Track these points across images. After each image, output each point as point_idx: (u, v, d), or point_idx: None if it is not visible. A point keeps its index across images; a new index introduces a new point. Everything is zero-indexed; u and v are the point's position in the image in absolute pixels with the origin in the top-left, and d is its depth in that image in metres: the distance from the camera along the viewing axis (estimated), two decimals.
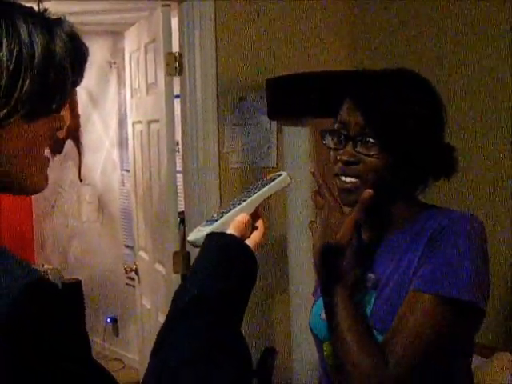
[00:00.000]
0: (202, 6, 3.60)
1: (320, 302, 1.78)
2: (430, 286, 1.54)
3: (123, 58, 4.86)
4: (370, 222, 1.79)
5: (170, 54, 3.67)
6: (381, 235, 1.76)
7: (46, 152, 1.18)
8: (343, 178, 1.67)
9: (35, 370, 0.94)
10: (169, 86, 3.71)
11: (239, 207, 1.34)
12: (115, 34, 5.77)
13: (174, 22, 3.72)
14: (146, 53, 4.02)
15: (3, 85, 1.05)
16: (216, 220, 1.33)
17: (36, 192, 1.18)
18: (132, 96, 4.46)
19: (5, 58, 1.05)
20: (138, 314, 4.77)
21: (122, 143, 6.01)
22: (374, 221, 1.77)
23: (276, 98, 3.41)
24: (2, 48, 1.05)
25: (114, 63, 5.99)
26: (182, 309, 1.18)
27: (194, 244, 1.33)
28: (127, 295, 6.01)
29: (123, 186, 6.11)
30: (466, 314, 1.56)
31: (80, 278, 6.25)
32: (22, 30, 1.07)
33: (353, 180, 1.65)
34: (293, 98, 3.27)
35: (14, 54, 1.06)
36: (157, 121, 3.85)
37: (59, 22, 1.14)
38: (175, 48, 3.71)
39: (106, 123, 6.19)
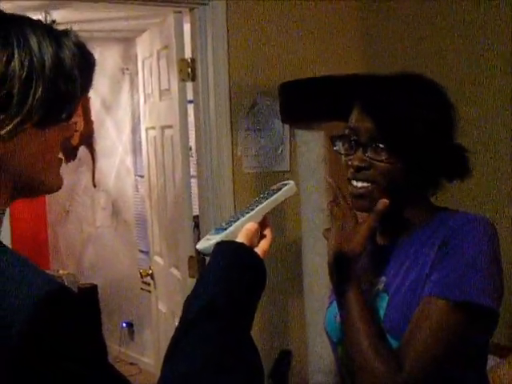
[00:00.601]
0: (214, 11, 3.62)
1: (335, 305, 1.79)
2: (442, 290, 1.55)
3: (135, 64, 4.88)
4: (383, 226, 1.79)
5: (182, 60, 3.68)
6: (393, 238, 1.76)
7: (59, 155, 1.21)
8: (355, 183, 1.68)
9: (55, 377, 0.96)
10: (182, 91, 3.72)
11: (247, 216, 1.36)
12: (127, 40, 5.80)
13: (186, 28, 3.74)
14: (158, 59, 4.04)
15: (16, 93, 1.07)
16: (225, 229, 1.35)
17: (53, 192, 1.21)
18: (145, 102, 4.48)
19: (17, 68, 1.07)
20: (153, 318, 4.78)
21: (136, 149, 6.04)
22: (386, 224, 1.77)
23: (289, 102, 3.43)
24: (14, 58, 1.08)
25: (127, 69, 6.02)
26: (192, 317, 1.20)
27: (203, 252, 1.35)
28: (142, 300, 6.03)
29: (137, 191, 6.14)
30: (479, 318, 1.56)
31: (95, 283, 6.28)
32: (32, 41, 1.10)
33: (364, 185, 1.66)
34: (306, 102, 3.29)
35: (26, 64, 1.08)
36: (170, 126, 3.87)
37: (66, 32, 1.17)
38: (188, 54, 3.73)
39: (119, 129, 6.23)
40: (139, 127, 5.31)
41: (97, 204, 6.61)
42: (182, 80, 3.70)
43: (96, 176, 6.48)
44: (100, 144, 6.29)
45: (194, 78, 3.69)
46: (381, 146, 1.62)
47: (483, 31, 3.44)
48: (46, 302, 0.96)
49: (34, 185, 1.17)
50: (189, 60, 3.69)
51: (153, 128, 4.29)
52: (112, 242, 6.52)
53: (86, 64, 1.19)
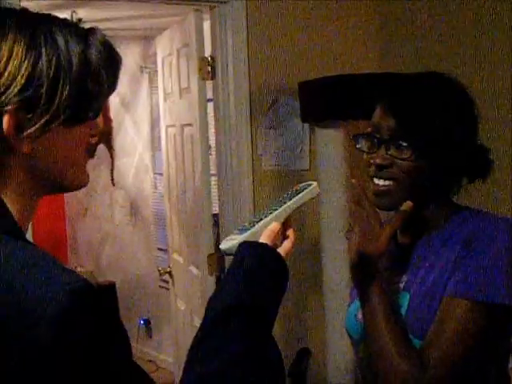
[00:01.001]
0: (234, 10, 3.63)
1: (356, 303, 1.79)
2: (464, 291, 1.54)
3: (154, 63, 4.90)
4: (404, 224, 1.79)
5: (202, 58, 3.69)
6: (414, 237, 1.76)
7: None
8: (376, 181, 1.68)
9: (82, 373, 0.97)
10: (202, 90, 3.73)
11: (270, 217, 1.38)
12: (146, 38, 5.82)
13: (206, 26, 3.75)
14: (178, 57, 4.05)
15: (44, 92, 1.08)
16: (248, 229, 1.36)
17: (79, 188, 1.23)
18: (165, 100, 4.49)
19: (44, 67, 1.08)
20: (171, 315, 4.79)
21: (154, 147, 6.06)
22: (408, 223, 1.77)
23: (309, 101, 3.43)
24: (42, 57, 1.08)
25: (146, 68, 6.03)
26: (216, 317, 1.21)
27: (225, 252, 1.37)
28: (160, 297, 6.05)
29: (156, 189, 6.16)
30: (502, 317, 1.57)
31: (114, 281, 6.30)
32: (59, 40, 1.11)
33: (386, 183, 1.66)
34: (325, 100, 3.29)
35: (53, 63, 1.09)
36: (190, 125, 3.88)
37: (93, 31, 1.17)
38: (207, 52, 3.74)
39: (137, 127, 6.24)
40: (158, 125, 5.32)
41: (115, 202, 6.63)
42: (202, 78, 3.71)
43: (115, 174, 6.50)
44: (119, 142, 6.30)
45: (213, 77, 3.70)
46: (403, 144, 1.62)
47: (502, 30, 3.43)
48: (73, 297, 0.97)
49: (62, 182, 1.18)
50: (209, 58, 3.70)
51: (173, 126, 4.30)
52: (130, 240, 6.55)
53: (112, 62, 1.19)
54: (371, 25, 4.04)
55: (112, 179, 6.56)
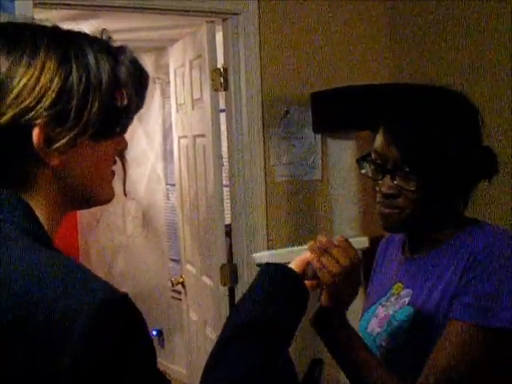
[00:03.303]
0: (246, 21, 3.65)
1: (366, 316, 1.80)
2: (469, 315, 1.54)
3: (167, 74, 4.91)
4: (411, 240, 1.79)
5: (215, 69, 3.71)
6: (421, 252, 1.75)
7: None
8: (383, 209, 1.67)
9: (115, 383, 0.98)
10: (214, 100, 3.75)
11: (305, 246, 1.45)
12: (158, 49, 5.84)
13: (219, 37, 3.77)
14: (191, 68, 4.07)
15: (73, 107, 1.10)
16: (282, 251, 1.45)
17: (105, 204, 1.25)
18: (177, 111, 4.51)
19: (75, 83, 1.10)
20: (184, 326, 4.80)
21: (167, 158, 6.07)
22: (414, 239, 1.78)
23: (321, 112, 3.44)
24: (72, 73, 1.11)
25: (158, 79, 6.05)
26: (232, 334, 1.25)
27: (256, 262, 1.45)
28: (172, 308, 6.05)
29: (168, 199, 6.16)
30: (508, 340, 1.56)
31: (126, 292, 6.30)
32: (89, 57, 1.13)
33: (393, 211, 1.65)
34: (337, 111, 3.30)
35: (84, 79, 1.11)
36: (203, 135, 3.90)
37: (122, 49, 1.20)
38: (220, 63, 3.76)
39: (150, 138, 6.26)
40: (170, 136, 5.34)
41: (127, 213, 6.64)
42: (215, 89, 3.73)
43: (127, 185, 6.48)
44: (131, 153, 6.29)
45: (226, 88, 3.71)
46: (410, 175, 1.59)
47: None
48: (105, 306, 0.98)
49: (88, 196, 1.21)
50: (221, 69, 3.71)
51: (185, 137, 4.32)
52: (143, 251, 6.55)
53: (140, 80, 1.21)
54: (383, 36, 4.05)
55: (124, 190, 6.55)
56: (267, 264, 1.38)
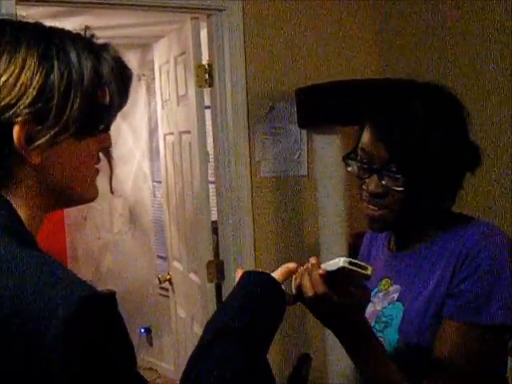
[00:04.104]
0: (231, 17, 3.64)
1: None
2: (464, 315, 1.54)
3: (152, 70, 4.90)
4: (397, 235, 1.79)
5: (199, 66, 3.70)
6: (408, 247, 1.74)
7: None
8: (370, 209, 1.65)
9: (87, 378, 0.97)
10: (199, 97, 3.74)
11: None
12: (143, 46, 5.83)
13: (203, 34, 3.76)
14: (175, 65, 4.06)
15: (54, 105, 1.09)
16: None
17: (89, 202, 1.25)
18: (163, 108, 4.50)
19: (56, 80, 1.09)
20: (171, 323, 4.80)
21: (153, 155, 6.06)
22: (401, 234, 1.77)
23: (306, 107, 3.44)
24: (54, 70, 1.10)
25: (143, 75, 6.03)
26: (209, 338, 1.25)
27: None
28: (160, 305, 6.04)
29: (154, 197, 6.15)
30: (505, 335, 1.58)
31: (113, 289, 6.29)
32: (71, 54, 1.12)
33: (380, 212, 1.63)
34: (322, 106, 3.30)
35: (65, 76, 1.10)
36: (188, 132, 3.89)
37: (105, 46, 1.19)
38: (204, 60, 3.75)
39: (136, 135, 6.24)
40: (156, 133, 5.32)
41: (114, 210, 6.62)
42: (200, 86, 3.72)
43: (113, 182, 6.46)
44: (117, 151, 6.27)
45: (211, 84, 3.71)
46: (397, 175, 1.56)
47: (500, 34, 3.44)
48: (84, 301, 0.98)
49: (70, 195, 1.20)
50: (206, 66, 3.71)
51: (171, 134, 4.31)
52: (130, 248, 6.54)
53: (123, 78, 1.21)
54: (369, 32, 4.05)
55: (111, 187, 6.54)
56: (249, 271, 1.40)
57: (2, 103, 1.07)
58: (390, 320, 1.67)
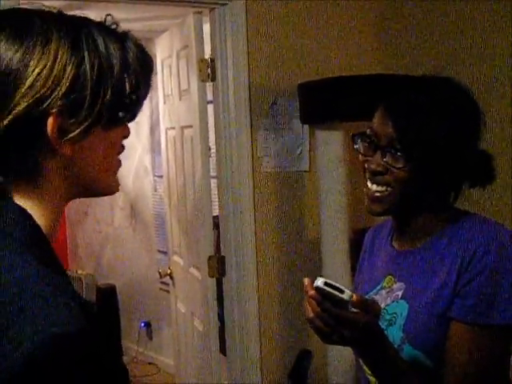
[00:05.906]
0: (234, 11, 3.63)
1: None
2: (473, 317, 1.55)
3: (154, 64, 4.89)
4: (400, 231, 1.79)
5: (202, 60, 3.69)
6: (411, 244, 1.75)
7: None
8: (370, 185, 1.68)
9: None
10: (201, 91, 3.73)
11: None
12: (145, 40, 5.81)
13: (206, 28, 3.75)
14: (178, 59, 4.05)
15: (88, 95, 1.08)
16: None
17: (110, 194, 1.23)
18: (165, 102, 4.49)
19: (88, 70, 1.08)
20: (172, 318, 4.79)
21: (154, 149, 6.06)
22: (403, 230, 1.77)
23: (308, 103, 3.44)
24: (85, 61, 1.09)
25: None
26: None
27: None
28: (160, 300, 6.05)
29: (155, 191, 6.16)
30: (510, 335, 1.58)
31: (114, 284, 6.30)
32: (99, 43, 1.11)
33: (379, 188, 1.66)
34: (325, 102, 3.30)
35: (96, 66, 1.09)
36: (190, 126, 3.88)
37: (127, 34, 1.18)
38: (207, 54, 3.74)
39: (137, 129, 6.24)
40: (157, 128, 5.32)
41: (115, 204, 6.63)
42: (202, 80, 3.71)
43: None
44: None
45: (213, 78, 3.70)
46: (399, 153, 1.61)
47: (500, 32, 3.44)
48: (51, 344, 0.90)
49: (95, 186, 1.19)
50: (208, 60, 3.70)
51: (172, 128, 4.30)
52: (130, 242, 6.54)
53: (146, 65, 1.20)
54: (371, 26, 4.04)
55: None
56: None
57: (37, 95, 1.05)
58: (394, 318, 1.67)
